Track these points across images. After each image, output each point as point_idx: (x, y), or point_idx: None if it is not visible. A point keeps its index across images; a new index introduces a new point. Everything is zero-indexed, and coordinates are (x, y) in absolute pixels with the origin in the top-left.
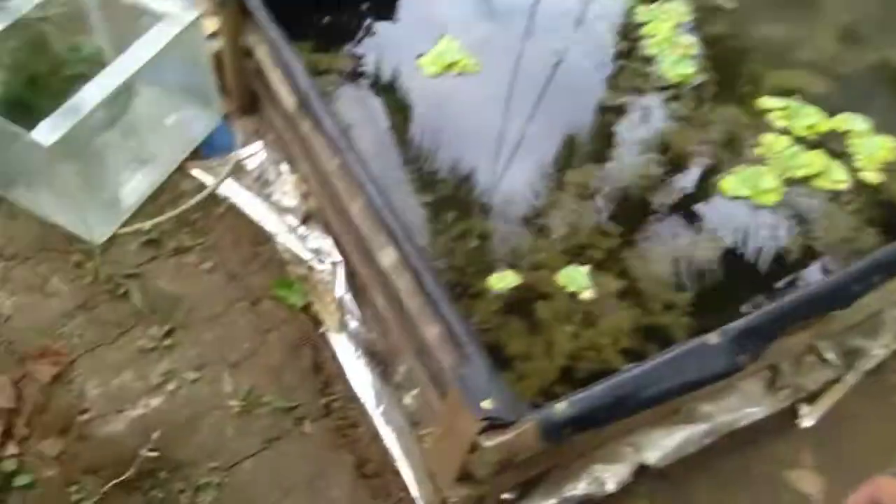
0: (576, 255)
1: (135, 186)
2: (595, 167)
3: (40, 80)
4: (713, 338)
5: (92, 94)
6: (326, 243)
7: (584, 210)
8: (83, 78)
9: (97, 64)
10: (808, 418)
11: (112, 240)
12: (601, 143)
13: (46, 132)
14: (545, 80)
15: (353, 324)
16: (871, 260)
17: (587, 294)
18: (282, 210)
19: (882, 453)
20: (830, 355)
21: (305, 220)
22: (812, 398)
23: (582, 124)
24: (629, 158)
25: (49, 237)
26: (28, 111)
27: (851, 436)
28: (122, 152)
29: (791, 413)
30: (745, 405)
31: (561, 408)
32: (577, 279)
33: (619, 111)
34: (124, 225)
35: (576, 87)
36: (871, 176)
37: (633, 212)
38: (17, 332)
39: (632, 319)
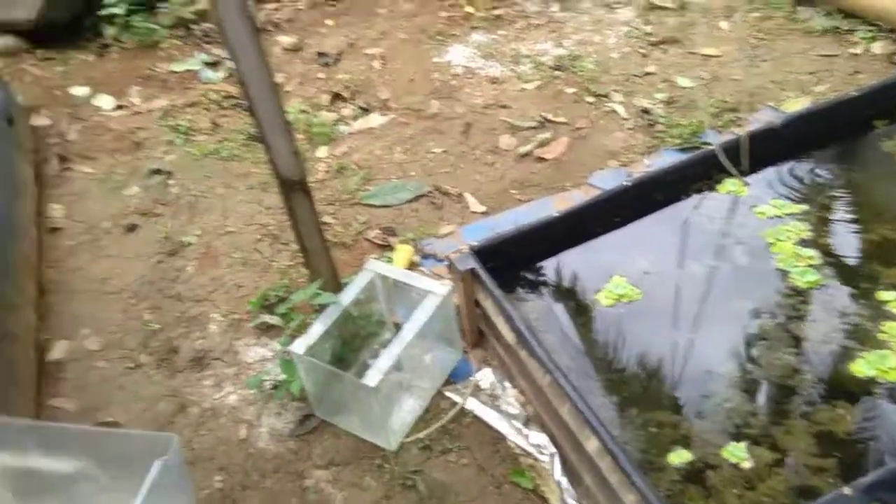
0: (734, 433)
1: (412, 408)
2: (745, 363)
3: (348, 341)
4: (847, 489)
5: (395, 348)
6: (544, 439)
7: (737, 398)
8: (374, 335)
9: (381, 325)
10: None
11: (401, 447)
12: (751, 342)
13: (372, 377)
14: (697, 300)
15: (571, 501)
16: None
17: (746, 464)
18: (510, 416)
19: None
20: None
21: (527, 423)
22: None
23: (728, 331)
24: (773, 352)
25: (361, 448)
26: (342, 363)
27: None
28: (403, 386)
29: None
30: None
31: None
32: (736, 453)
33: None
34: (407, 436)
35: (719, 304)
36: None
37: (778, 395)
38: None
39: (785, 482)
